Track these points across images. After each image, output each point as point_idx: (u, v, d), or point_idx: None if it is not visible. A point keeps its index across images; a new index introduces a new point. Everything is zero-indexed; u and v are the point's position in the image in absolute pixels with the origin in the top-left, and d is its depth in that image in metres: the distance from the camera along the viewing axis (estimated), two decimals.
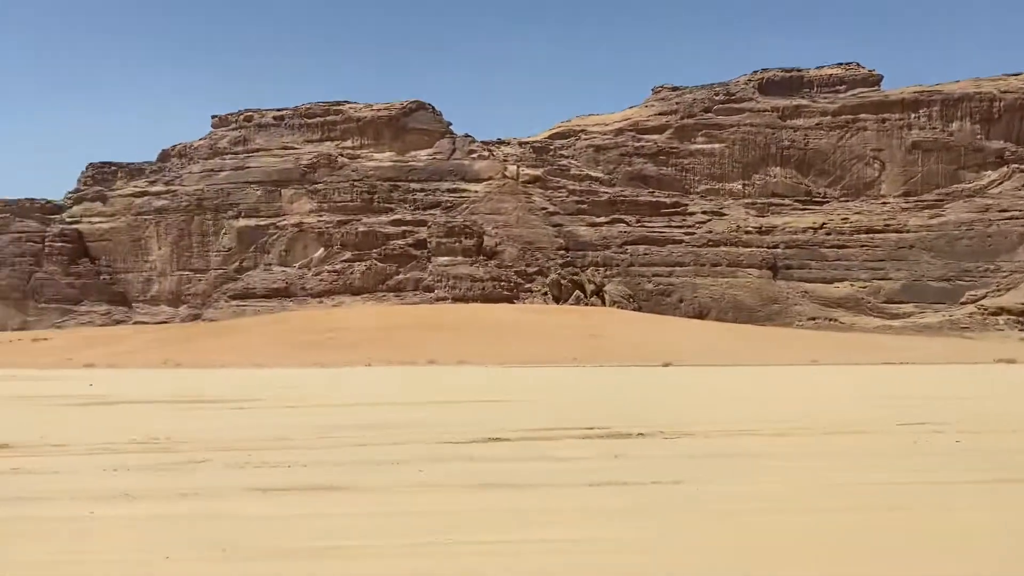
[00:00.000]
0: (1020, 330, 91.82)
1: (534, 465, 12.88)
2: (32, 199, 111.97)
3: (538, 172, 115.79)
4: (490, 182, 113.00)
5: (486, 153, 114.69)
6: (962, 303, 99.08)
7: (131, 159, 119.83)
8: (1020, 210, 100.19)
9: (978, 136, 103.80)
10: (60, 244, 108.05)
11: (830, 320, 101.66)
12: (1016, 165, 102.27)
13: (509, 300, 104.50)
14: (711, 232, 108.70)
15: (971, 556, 7.86)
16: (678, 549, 8.02)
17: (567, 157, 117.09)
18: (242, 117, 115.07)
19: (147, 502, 10.23)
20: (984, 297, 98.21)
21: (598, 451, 14.56)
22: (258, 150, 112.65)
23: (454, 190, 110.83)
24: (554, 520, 9.07)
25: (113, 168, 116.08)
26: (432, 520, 9.07)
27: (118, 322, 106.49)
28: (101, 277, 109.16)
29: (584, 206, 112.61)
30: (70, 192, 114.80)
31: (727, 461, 13.34)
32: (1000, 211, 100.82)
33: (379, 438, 16.28)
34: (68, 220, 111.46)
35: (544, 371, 48.18)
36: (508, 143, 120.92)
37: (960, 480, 11.67)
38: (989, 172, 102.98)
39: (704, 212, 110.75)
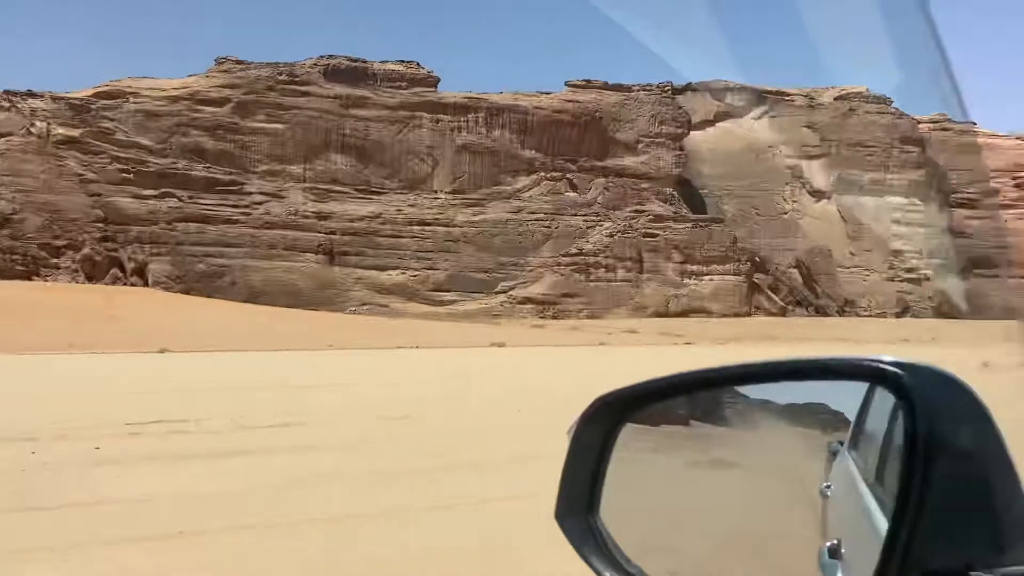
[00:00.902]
0: (539, 317, 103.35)
1: None
2: None
3: (75, 133, 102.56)
4: (11, 138, 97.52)
5: (6, 104, 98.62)
6: (496, 293, 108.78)
7: None
8: (545, 213, 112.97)
9: (515, 144, 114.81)
10: None
11: (382, 306, 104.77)
12: (543, 173, 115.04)
13: (27, 277, 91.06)
14: (268, 214, 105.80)
15: None
16: None
17: (112, 120, 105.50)
18: None
19: None
20: (514, 288, 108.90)
21: None
22: None
23: None
24: None
25: None
26: None
27: None
28: None
29: (130, 176, 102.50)
30: None
31: None
32: (530, 213, 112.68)
33: None
34: None
35: None
36: (40, 96, 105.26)
37: None
38: (523, 177, 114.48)
39: (263, 193, 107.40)
